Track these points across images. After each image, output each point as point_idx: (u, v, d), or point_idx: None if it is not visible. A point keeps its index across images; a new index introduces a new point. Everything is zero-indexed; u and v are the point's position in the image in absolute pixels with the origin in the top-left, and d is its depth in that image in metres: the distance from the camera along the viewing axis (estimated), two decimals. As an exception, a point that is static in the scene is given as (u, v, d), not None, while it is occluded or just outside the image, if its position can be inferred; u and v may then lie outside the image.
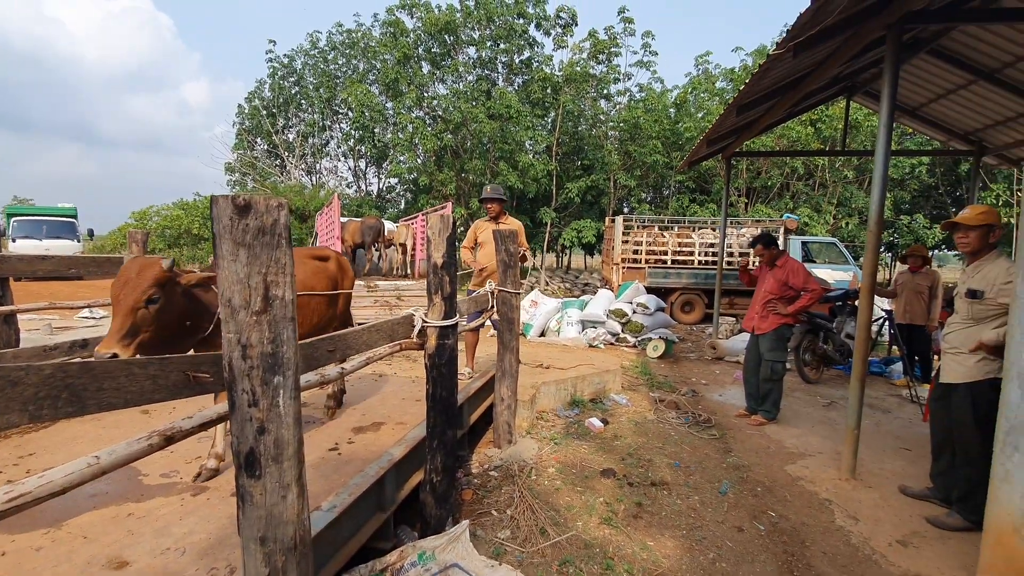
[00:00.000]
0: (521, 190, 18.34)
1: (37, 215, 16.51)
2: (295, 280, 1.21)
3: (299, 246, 8.51)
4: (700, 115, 18.84)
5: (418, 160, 20.05)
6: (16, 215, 16.37)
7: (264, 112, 25.22)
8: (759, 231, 11.33)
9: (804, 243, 11.43)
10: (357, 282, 8.92)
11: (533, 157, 18.35)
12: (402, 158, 20.23)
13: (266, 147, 26.37)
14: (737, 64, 20.55)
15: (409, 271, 11.04)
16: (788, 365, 5.39)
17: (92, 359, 1.78)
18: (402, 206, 24.39)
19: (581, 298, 9.30)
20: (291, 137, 25.91)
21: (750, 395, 4.79)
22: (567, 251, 26.12)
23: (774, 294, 4.52)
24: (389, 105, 20.93)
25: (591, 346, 7.87)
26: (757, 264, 4.90)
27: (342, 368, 1.88)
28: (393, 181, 25.27)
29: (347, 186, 26.66)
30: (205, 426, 1.26)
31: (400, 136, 19.42)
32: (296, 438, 1.24)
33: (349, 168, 27.14)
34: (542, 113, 20.06)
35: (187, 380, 1.23)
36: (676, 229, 12.07)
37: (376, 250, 11.08)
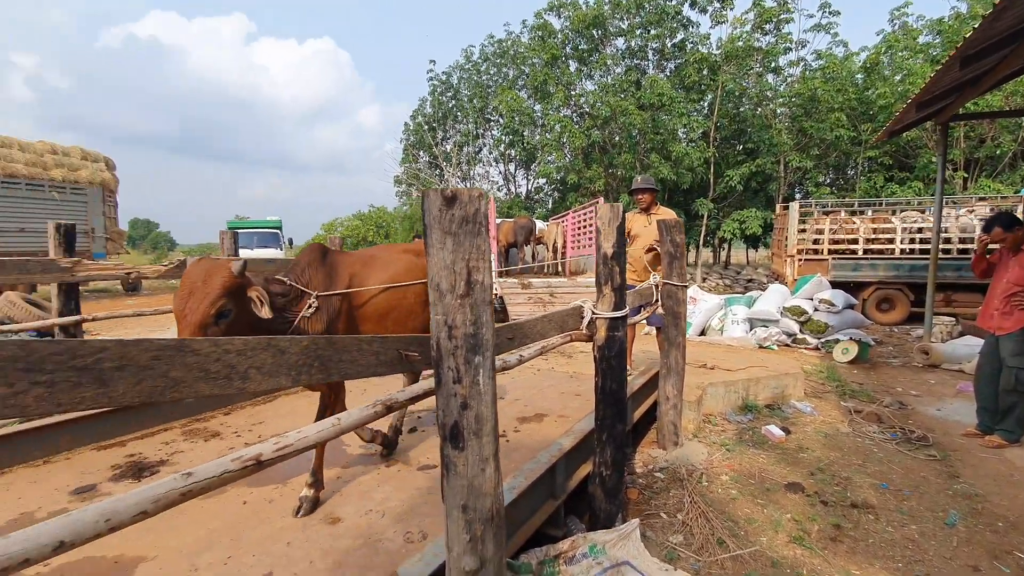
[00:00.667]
0: (674, 182, 17.39)
1: (251, 228, 18.20)
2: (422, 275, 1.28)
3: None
4: (898, 77, 15.89)
5: (566, 159, 20.22)
6: (236, 228, 20.12)
7: (425, 127, 27.74)
8: (990, 211, 9.22)
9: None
10: (510, 279, 9.31)
11: (687, 145, 17.26)
12: (550, 158, 20.58)
13: (427, 159, 28.99)
14: (947, 12, 16.90)
15: (560, 269, 11.19)
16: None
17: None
18: (549, 205, 24.85)
19: (748, 294, 8.49)
20: (448, 148, 28.11)
21: (984, 409, 3.88)
22: (726, 245, 24.12)
23: (1020, 285, 3.60)
24: (537, 108, 21.48)
25: (761, 347, 7.13)
26: (996, 251, 3.95)
27: (520, 356, 1.95)
28: (541, 181, 25.91)
29: (497, 189, 28.07)
30: (415, 399, 1.39)
31: (548, 137, 19.80)
32: (493, 415, 1.30)
33: (500, 172, 28.53)
34: (697, 97, 18.79)
35: (400, 357, 1.38)
36: (870, 213, 10.34)
37: (528, 249, 11.44)
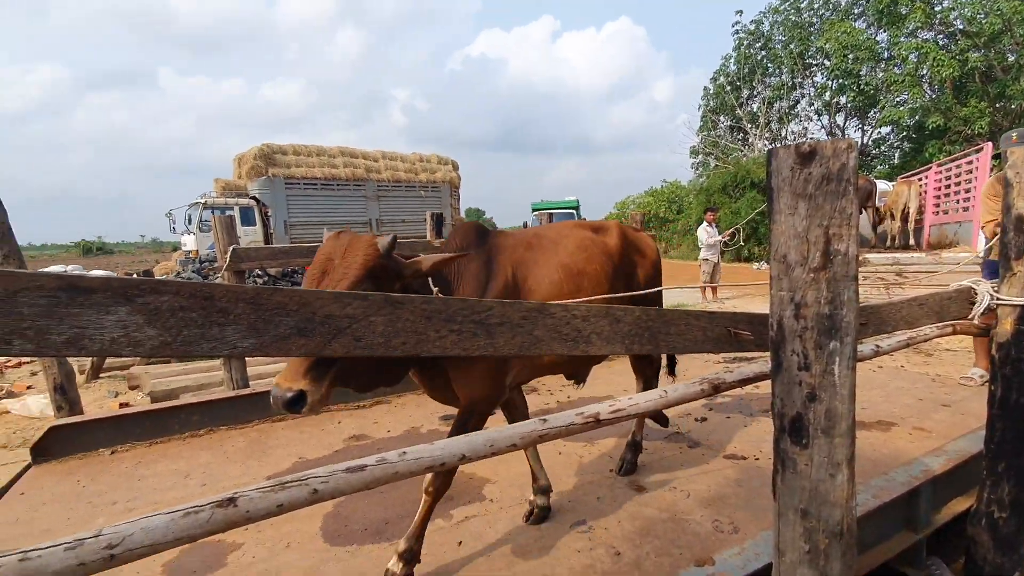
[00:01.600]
0: None
1: (549, 209, 18.86)
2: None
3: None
4: None
5: (925, 97, 15.51)
6: (537, 210, 19.35)
7: (728, 88, 25.36)
8: None
9: None
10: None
11: None
12: (901, 97, 16.12)
13: (728, 123, 26.54)
14: None
15: (912, 241, 8.73)
16: None
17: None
18: (895, 160, 19.64)
19: None
20: (755, 107, 25.07)
21: None
22: None
23: None
24: (882, 37, 17.02)
25: None
26: None
27: (876, 346, 1.58)
28: (884, 131, 20.64)
29: (818, 148, 23.66)
30: (744, 382, 1.28)
31: (897, 72, 15.51)
32: (850, 414, 1.08)
33: (822, 127, 23.97)
34: None
35: (728, 336, 1.28)
36: None
37: (864, 216, 9.31)
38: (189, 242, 13.33)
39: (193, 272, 11.32)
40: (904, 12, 14.83)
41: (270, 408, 3.54)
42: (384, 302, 0.84)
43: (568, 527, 1.97)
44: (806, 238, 1.04)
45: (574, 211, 19.82)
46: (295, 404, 1.22)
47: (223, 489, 0.95)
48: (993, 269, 2.97)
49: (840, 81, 19.50)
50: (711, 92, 26.70)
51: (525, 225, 18.75)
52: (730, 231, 9.29)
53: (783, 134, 24.75)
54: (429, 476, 1.66)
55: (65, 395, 3.29)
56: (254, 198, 14.06)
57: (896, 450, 2.50)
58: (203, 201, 13.38)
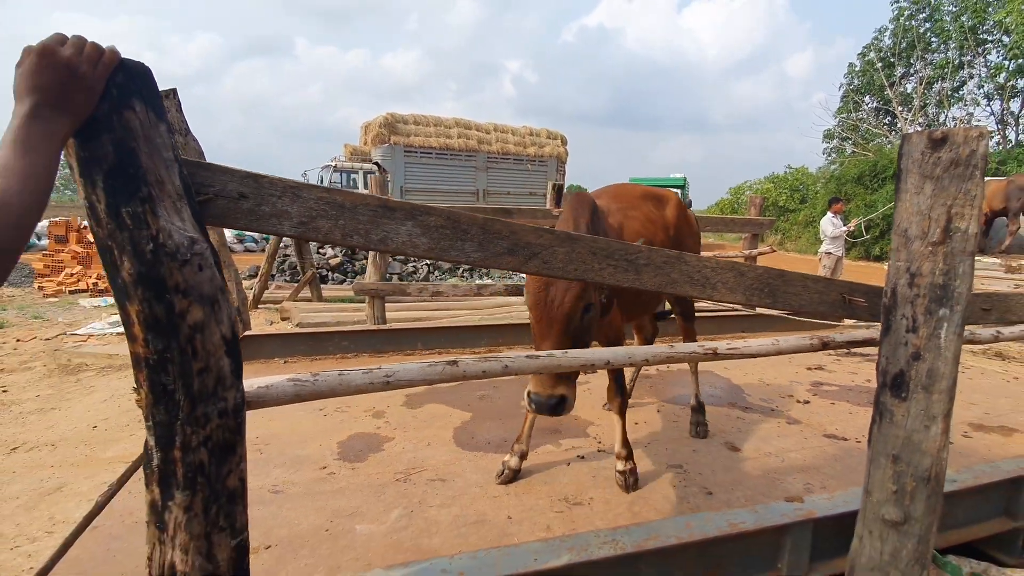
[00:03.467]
0: None
1: (651, 185, 20.89)
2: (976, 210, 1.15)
3: None
4: None
5: None
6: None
7: (879, 64, 22.57)
8: None
9: None
10: (991, 259, 6.95)
11: None
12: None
13: (875, 105, 23.71)
14: None
15: None
16: None
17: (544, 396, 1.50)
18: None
19: None
20: (909, 88, 22.13)
21: None
22: None
23: None
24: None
25: None
26: None
27: (997, 331, 1.62)
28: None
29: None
30: (852, 344, 1.43)
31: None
32: (951, 376, 1.21)
33: (991, 114, 20.64)
34: None
35: (843, 301, 1.43)
36: None
37: (1028, 218, 8.14)
38: (318, 200, 14.88)
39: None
40: None
41: (401, 343, 4.02)
42: (566, 237, 1.14)
43: (665, 467, 2.22)
44: (929, 216, 1.17)
45: (680, 190, 18.69)
46: (559, 408, 1.49)
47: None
48: None
49: (1020, 61, 16.59)
50: (857, 69, 23.96)
51: None
52: (858, 220, 8.65)
53: (941, 119, 21.66)
54: (616, 401, 2.09)
55: (240, 316, 4.14)
56: (376, 164, 15.27)
57: (1011, 453, 2.42)
58: (334, 164, 14.82)
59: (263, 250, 17.54)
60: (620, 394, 2.09)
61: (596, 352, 1.24)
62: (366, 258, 5.66)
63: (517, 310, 6.10)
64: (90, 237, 3.79)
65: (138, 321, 0.79)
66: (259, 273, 6.37)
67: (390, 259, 6.93)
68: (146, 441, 0.84)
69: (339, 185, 14.97)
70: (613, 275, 1.20)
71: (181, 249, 0.79)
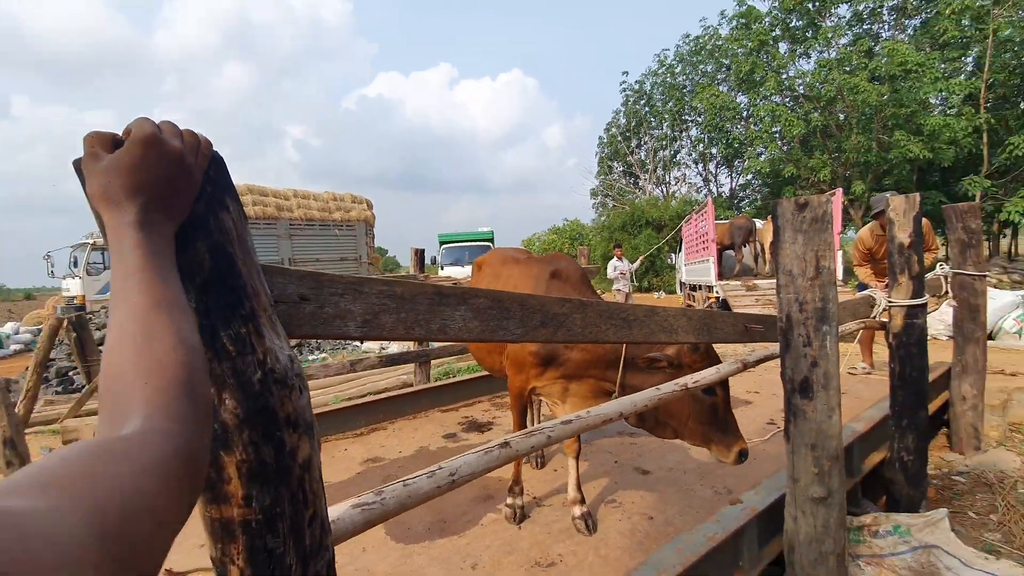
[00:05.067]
0: (929, 160, 14.59)
1: (461, 241, 18.17)
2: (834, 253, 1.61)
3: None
4: None
5: (780, 150, 18.51)
6: (446, 243, 18.30)
7: (620, 138, 28.13)
8: None
9: None
10: (733, 282, 9.04)
11: (944, 115, 14.31)
12: (761, 150, 19.06)
13: (621, 169, 29.29)
14: None
15: (770, 271, 10.38)
16: None
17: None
18: (758, 202, 22.91)
19: (1057, 290, 6.83)
20: (643, 155, 28.00)
21: None
22: (1009, 231, 19.12)
23: None
24: (742, 99, 20.15)
25: (1085, 354, 5.72)
26: None
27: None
28: (749, 176, 24.06)
29: (696, 191, 26.90)
30: (760, 362, 1.80)
31: (756, 129, 18.41)
32: (837, 375, 1.63)
33: (698, 173, 27.36)
34: (956, 55, 15.45)
35: (745, 330, 1.79)
36: None
37: (747, 250, 10.92)
38: (73, 286, 11.90)
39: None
40: (759, 80, 17.84)
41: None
42: (579, 304, 1.23)
43: (600, 503, 2.36)
44: (804, 258, 1.58)
45: (489, 244, 18.21)
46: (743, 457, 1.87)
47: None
48: (863, 288, 3.92)
49: (711, 135, 22.63)
50: (605, 141, 29.44)
51: (434, 260, 17.45)
52: (640, 258, 10.72)
53: (667, 179, 27.85)
54: (574, 446, 2.27)
55: (15, 449, 3.16)
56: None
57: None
58: (91, 242, 12.11)
59: (15, 352, 12.88)
60: (577, 438, 2.18)
61: (609, 407, 1.33)
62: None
63: (389, 379, 5.72)
64: None
65: (237, 475, 0.62)
66: (25, 386, 4.78)
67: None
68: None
69: (100, 266, 12.20)
70: (616, 333, 1.32)
71: (288, 372, 0.66)
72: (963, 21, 14.63)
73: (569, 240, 28.35)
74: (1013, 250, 20.94)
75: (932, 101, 15.02)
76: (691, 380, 1.55)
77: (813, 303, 1.60)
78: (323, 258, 17.48)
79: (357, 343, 9.50)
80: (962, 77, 15.05)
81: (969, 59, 15.94)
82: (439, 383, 4.12)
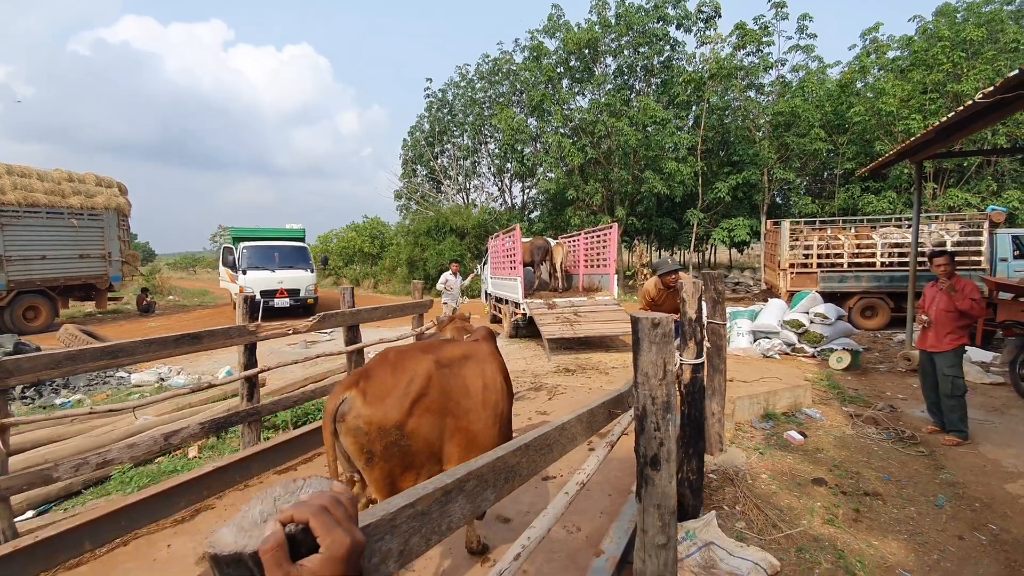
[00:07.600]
0: (667, 194, 18.47)
1: (266, 239, 15.12)
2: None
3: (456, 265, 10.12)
4: (871, 94, 17.14)
5: (564, 176, 21.14)
6: (244, 239, 14.88)
7: (423, 143, 28.43)
8: (959, 227, 10.40)
9: (1015, 237, 10.09)
10: (536, 300, 10.11)
11: (677, 161, 18.31)
12: (550, 174, 21.48)
13: (425, 173, 29.67)
14: (913, 29, 18.24)
15: (562, 286, 11.91)
16: (1004, 379, 5.42)
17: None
18: (546, 217, 25.77)
19: (751, 308, 9.47)
20: (445, 162, 28.83)
21: (932, 409, 5.03)
22: (710, 246, 25.31)
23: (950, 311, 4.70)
24: (533, 123, 22.37)
25: (765, 356, 8.10)
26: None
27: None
28: (535, 192, 26.81)
29: (492, 200, 28.88)
30: (618, 419, 2.23)
31: (546, 155, 20.72)
32: (676, 449, 2.14)
33: (495, 185, 29.37)
34: (684, 113, 19.91)
35: (610, 415, 2.21)
36: (853, 229, 11.45)
37: (544, 268, 12.28)
38: None
39: None
40: (548, 110, 20.14)
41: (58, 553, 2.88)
42: (521, 448, 1.42)
43: (466, 556, 2.57)
44: (656, 363, 2.05)
45: (303, 245, 15.59)
46: None
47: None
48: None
49: (507, 153, 24.59)
50: (409, 144, 29.39)
51: (233, 264, 14.30)
52: (472, 276, 11.69)
53: (468, 186, 29.23)
54: None
55: None
56: None
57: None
58: None
59: None
60: None
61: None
62: None
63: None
64: None
65: None
66: None
67: None
68: None
69: None
70: (544, 459, 1.55)
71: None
72: (688, 88, 18.92)
73: (370, 238, 27.45)
74: (714, 261, 28.18)
75: (669, 147, 19.06)
76: (579, 479, 1.87)
77: (663, 398, 2.08)
78: (52, 255, 13.68)
79: (124, 373, 7.81)
80: (687, 132, 19.48)
81: (690, 117, 20.69)
82: (270, 443, 3.76)
